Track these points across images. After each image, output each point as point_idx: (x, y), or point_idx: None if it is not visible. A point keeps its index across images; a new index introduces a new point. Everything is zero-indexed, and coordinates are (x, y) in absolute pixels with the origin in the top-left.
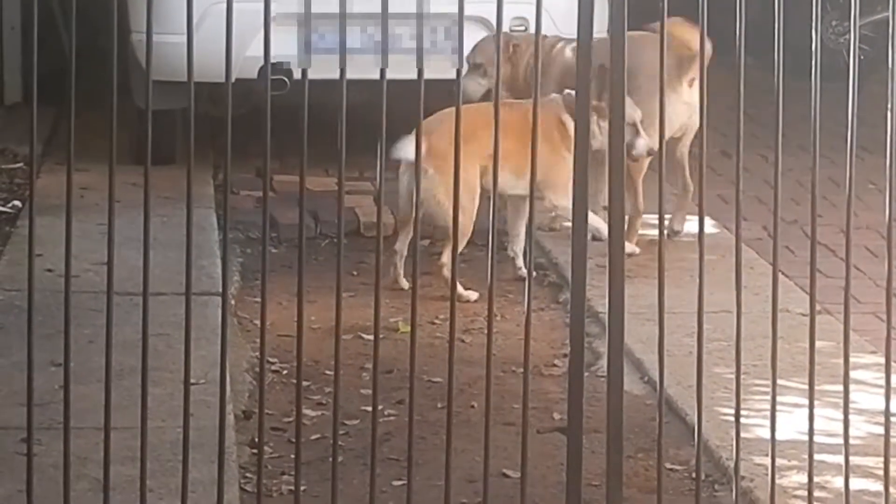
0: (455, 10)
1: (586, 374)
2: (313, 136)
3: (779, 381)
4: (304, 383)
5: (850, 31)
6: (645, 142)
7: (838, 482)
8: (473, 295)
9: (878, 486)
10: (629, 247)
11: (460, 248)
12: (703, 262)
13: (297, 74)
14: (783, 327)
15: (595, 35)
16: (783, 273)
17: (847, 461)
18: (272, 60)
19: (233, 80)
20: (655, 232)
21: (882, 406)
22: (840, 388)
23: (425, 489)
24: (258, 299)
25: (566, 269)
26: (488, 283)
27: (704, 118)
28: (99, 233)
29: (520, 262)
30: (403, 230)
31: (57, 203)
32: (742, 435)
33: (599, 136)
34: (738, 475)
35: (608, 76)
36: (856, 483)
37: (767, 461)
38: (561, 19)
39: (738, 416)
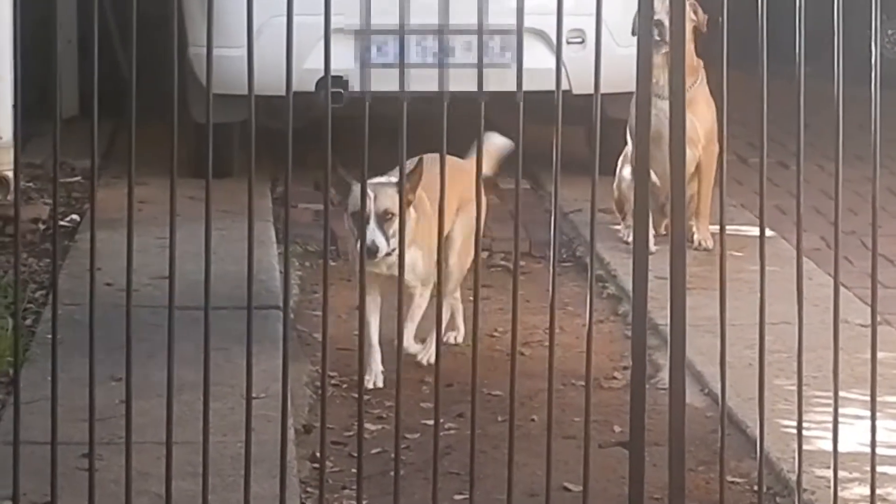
0: (511, 22)
1: (647, 386)
2: (370, 149)
3: (839, 393)
4: (365, 397)
5: None
6: None
7: None
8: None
9: None
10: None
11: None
12: (764, 274)
13: (354, 87)
14: (842, 338)
15: None
16: (842, 284)
17: None
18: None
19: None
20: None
21: None
22: None
23: (486, 503)
24: (317, 312)
25: (625, 280)
26: (550, 295)
27: (764, 128)
28: (157, 247)
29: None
30: None
31: (115, 217)
32: (803, 447)
33: None
34: (800, 488)
35: None
36: None
37: (829, 473)
38: (617, 31)
39: (800, 427)
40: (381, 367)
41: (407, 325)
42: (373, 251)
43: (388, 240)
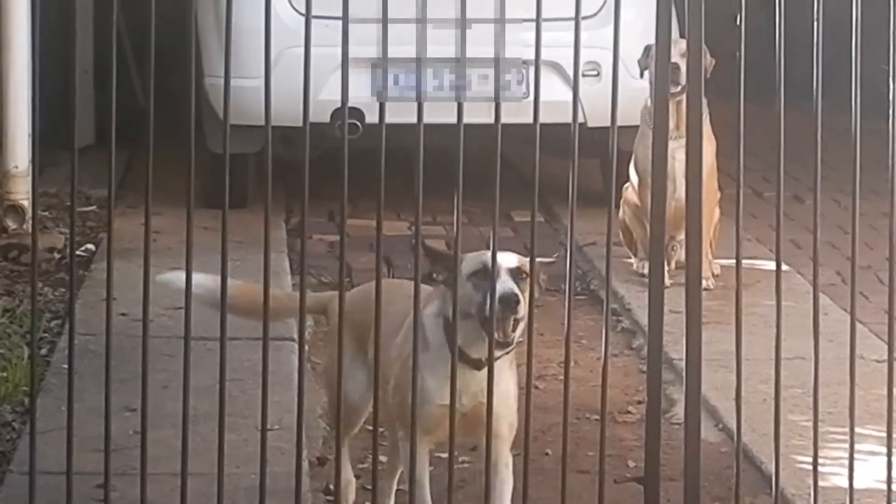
0: (526, 55)
1: (661, 421)
2: (385, 180)
3: (855, 429)
4: (379, 429)
5: None
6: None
7: None
8: None
9: None
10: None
11: None
12: (780, 309)
13: (369, 118)
14: (858, 374)
15: None
16: (857, 319)
17: None
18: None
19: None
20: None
21: None
22: None
23: None
24: None
25: (639, 314)
26: (564, 328)
27: (782, 161)
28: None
29: None
30: None
31: (129, 247)
32: (819, 483)
33: None
34: None
35: None
36: None
37: None
38: (633, 63)
39: (815, 463)
40: None
41: None
42: (514, 300)
43: (522, 299)
